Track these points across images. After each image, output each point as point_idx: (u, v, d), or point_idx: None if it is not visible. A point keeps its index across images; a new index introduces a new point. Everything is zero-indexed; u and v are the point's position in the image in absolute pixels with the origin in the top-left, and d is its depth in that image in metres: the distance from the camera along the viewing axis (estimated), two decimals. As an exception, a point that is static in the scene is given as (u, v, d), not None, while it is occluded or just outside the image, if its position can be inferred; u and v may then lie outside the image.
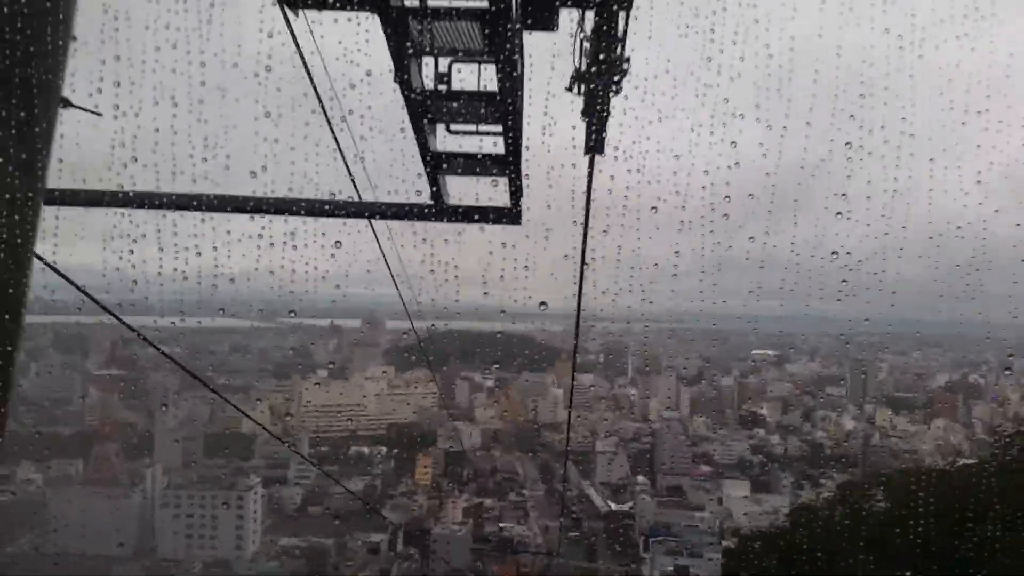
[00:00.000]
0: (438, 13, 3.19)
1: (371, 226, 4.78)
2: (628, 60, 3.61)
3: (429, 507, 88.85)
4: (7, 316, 2.69)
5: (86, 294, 3.78)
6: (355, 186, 4.38)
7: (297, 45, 3.45)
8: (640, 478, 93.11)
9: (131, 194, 4.21)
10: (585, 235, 4.76)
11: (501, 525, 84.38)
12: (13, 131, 2.64)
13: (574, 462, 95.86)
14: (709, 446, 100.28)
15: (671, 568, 70.00)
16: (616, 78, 3.64)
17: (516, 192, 4.46)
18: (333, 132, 4.02)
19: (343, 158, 4.25)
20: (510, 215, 4.55)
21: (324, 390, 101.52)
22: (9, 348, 2.74)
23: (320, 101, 3.82)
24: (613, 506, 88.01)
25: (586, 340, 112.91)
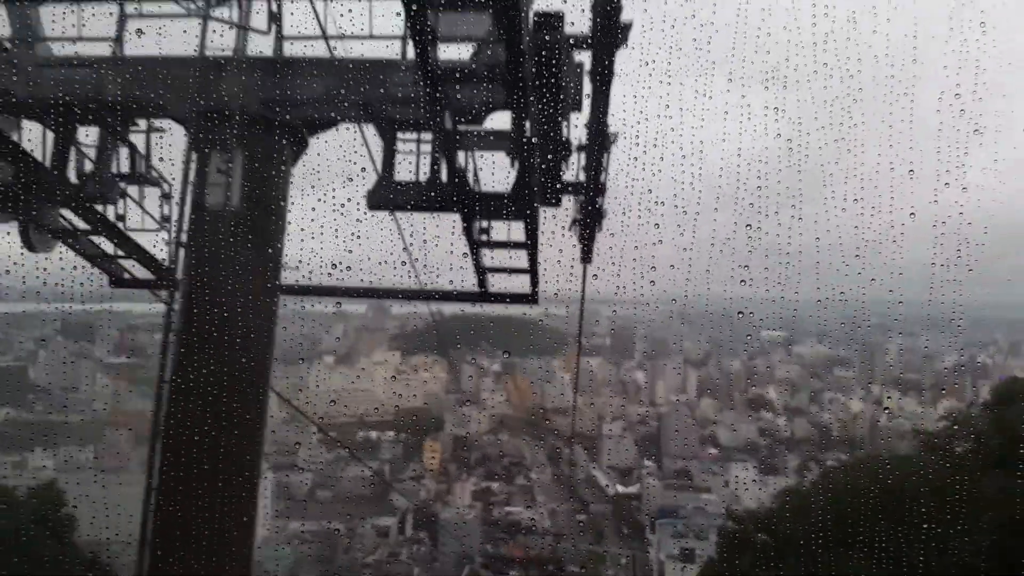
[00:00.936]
0: (488, 206, 5.52)
1: (433, 315, 7.20)
2: (605, 213, 5.96)
3: (437, 491, 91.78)
4: (258, 402, 4.96)
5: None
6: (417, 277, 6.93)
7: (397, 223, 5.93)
8: (647, 461, 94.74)
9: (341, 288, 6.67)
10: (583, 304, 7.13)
11: (508, 508, 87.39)
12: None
13: (581, 446, 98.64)
14: (716, 429, 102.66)
15: (678, 551, 72.33)
16: (600, 221, 6.01)
17: (535, 283, 6.87)
18: (407, 249, 6.49)
19: (413, 266, 6.75)
20: (531, 298, 7.03)
21: (331, 376, 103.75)
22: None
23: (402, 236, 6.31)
24: (620, 489, 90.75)
25: (593, 324, 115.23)
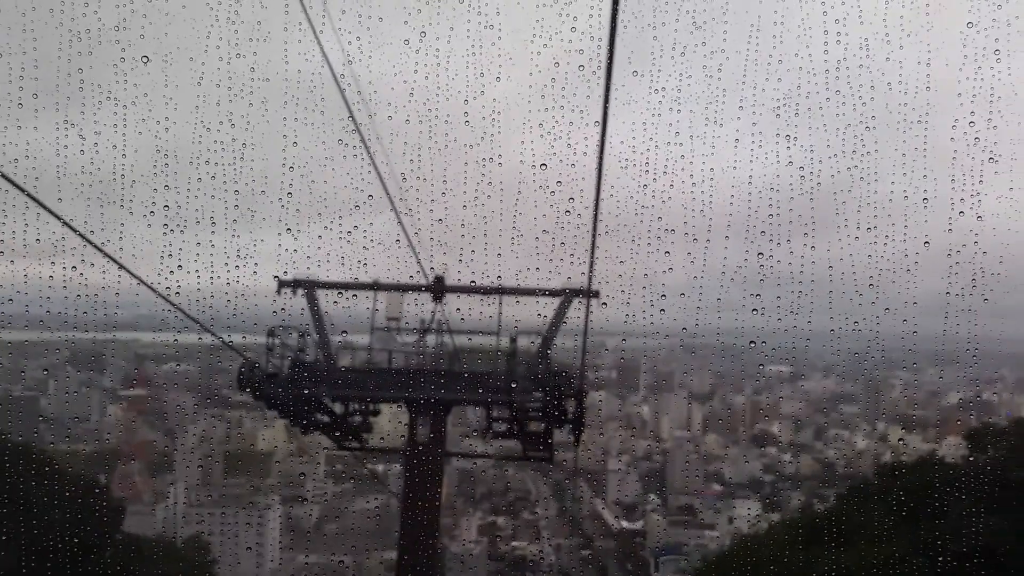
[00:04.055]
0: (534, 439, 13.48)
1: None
2: (583, 432, 14.04)
3: (443, 525, 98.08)
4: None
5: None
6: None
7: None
8: (651, 497, 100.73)
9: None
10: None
11: (514, 543, 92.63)
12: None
13: (586, 481, 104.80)
14: (720, 465, 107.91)
15: (681, 587, 78.42)
16: (581, 434, 14.02)
17: (551, 452, 15.03)
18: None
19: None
20: (548, 459, 15.15)
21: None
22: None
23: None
24: (624, 524, 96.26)
25: (597, 357, 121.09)
